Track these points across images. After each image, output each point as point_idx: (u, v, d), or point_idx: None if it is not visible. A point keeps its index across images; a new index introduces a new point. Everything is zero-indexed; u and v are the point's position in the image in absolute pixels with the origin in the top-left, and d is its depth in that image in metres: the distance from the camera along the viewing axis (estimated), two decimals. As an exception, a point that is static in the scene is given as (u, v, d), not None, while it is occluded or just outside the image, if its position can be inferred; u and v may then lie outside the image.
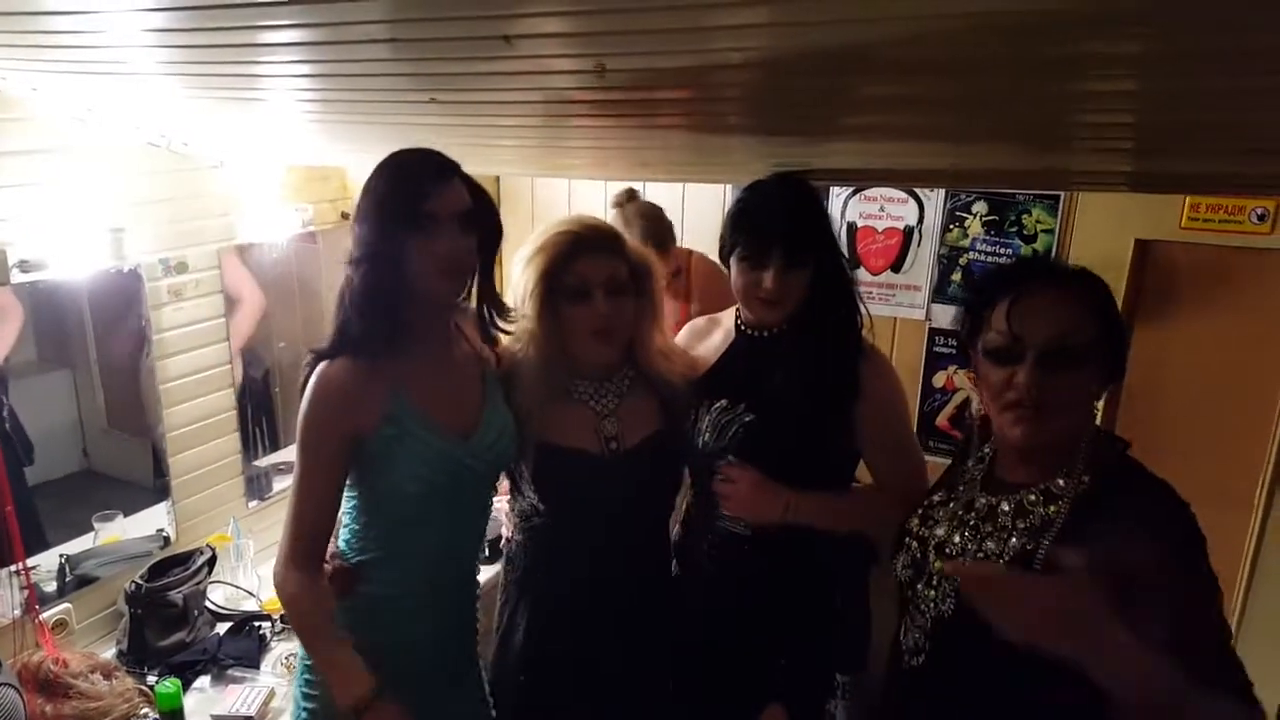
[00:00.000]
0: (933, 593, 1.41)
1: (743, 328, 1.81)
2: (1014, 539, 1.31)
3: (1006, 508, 1.35)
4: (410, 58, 1.39)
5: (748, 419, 1.72)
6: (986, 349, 1.34)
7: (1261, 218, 2.65)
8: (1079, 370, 1.26)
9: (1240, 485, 2.85)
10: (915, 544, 1.48)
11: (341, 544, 1.71)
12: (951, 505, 1.46)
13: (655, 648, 1.86)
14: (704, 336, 1.93)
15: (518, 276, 1.72)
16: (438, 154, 1.57)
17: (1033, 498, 1.32)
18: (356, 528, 1.70)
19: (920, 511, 1.52)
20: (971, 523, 1.39)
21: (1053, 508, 1.29)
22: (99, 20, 1.39)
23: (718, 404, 1.75)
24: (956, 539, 1.40)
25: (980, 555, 1.34)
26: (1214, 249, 2.74)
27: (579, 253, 1.67)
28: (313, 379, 1.57)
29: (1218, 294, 2.77)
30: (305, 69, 1.64)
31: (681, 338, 1.97)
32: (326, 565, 1.67)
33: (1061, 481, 1.30)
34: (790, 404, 1.69)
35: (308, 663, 1.72)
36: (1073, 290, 1.29)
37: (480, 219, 1.61)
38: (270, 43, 1.43)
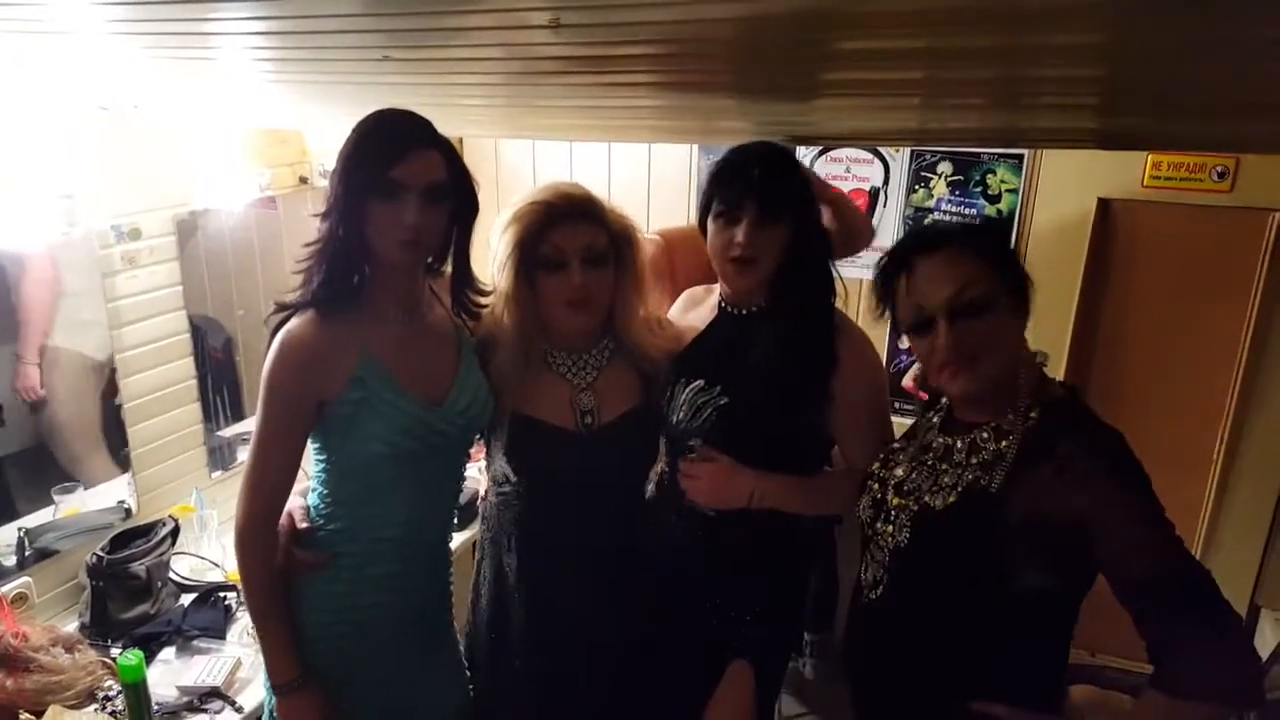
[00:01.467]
0: (890, 528, 1.47)
1: (724, 305, 1.79)
2: (967, 474, 1.38)
3: (960, 445, 1.42)
4: (360, 13, 1.34)
5: (723, 402, 1.70)
6: (903, 325, 1.45)
7: (1222, 175, 2.68)
8: (988, 316, 1.35)
9: (1199, 444, 2.90)
10: (876, 485, 1.55)
11: (312, 509, 1.69)
12: (911, 449, 1.53)
13: (624, 616, 1.85)
14: (696, 305, 1.90)
15: (495, 244, 1.70)
16: (420, 120, 1.54)
17: (985, 435, 1.39)
18: (325, 491, 1.67)
19: (883, 456, 1.59)
20: (929, 462, 1.47)
21: (1004, 443, 1.36)
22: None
23: (695, 383, 1.74)
24: (914, 476, 1.47)
25: (935, 490, 1.42)
26: (1175, 207, 2.77)
27: (554, 222, 1.65)
28: (278, 338, 1.55)
29: (1179, 251, 2.80)
30: (255, 25, 1.59)
31: (676, 307, 1.95)
32: (296, 549, 1.66)
33: (1011, 416, 1.37)
34: (765, 388, 1.69)
35: None
36: (954, 246, 1.38)
37: (454, 192, 1.58)
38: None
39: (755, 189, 1.62)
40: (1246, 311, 2.75)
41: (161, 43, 1.75)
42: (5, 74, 2.08)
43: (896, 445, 1.59)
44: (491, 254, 1.73)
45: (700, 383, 1.73)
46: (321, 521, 1.67)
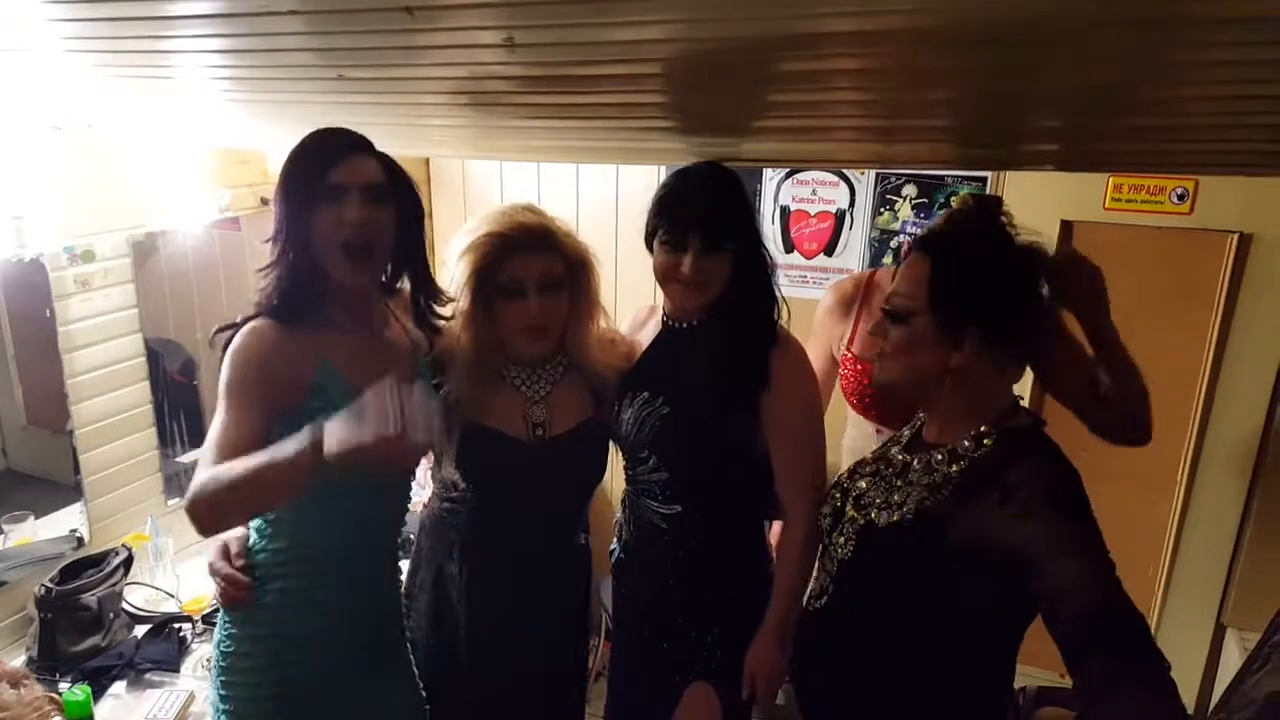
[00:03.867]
0: (841, 539, 1.49)
1: (667, 320, 1.82)
2: (916, 493, 1.39)
3: (918, 465, 1.43)
4: (312, 30, 1.33)
5: (664, 411, 1.74)
6: None
7: (1181, 197, 2.71)
8: (899, 327, 1.40)
9: (1162, 466, 2.91)
10: (838, 494, 1.56)
11: (253, 532, 1.66)
12: (877, 463, 1.55)
13: (561, 626, 1.90)
14: (645, 323, 1.94)
15: (452, 266, 1.72)
16: (353, 133, 1.56)
17: (940, 456, 1.40)
18: (270, 515, 1.63)
19: (851, 467, 1.60)
20: (887, 476, 1.48)
21: (954, 467, 1.37)
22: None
23: (640, 396, 1.77)
24: (871, 491, 1.49)
25: (885, 506, 1.43)
26: (1136, 228, 2.79)
27: (511, 252, 1.67)
28: (237, 340, 1.52)
29: (1139, 273, 2.81)
30: (209, 44, 1.57)
31: (624, 325, 1.98)
32: (219, 581, 1.62)
33: (967, 443, 1.38)
34: (701, 396, 1.72)
35: (223, 664, 1.67)
36: (920, 256, 1.42)
37: (393, 195, 1.58)
38: (171, 15, 1.36)
39: (699, 220, 1.66)
40: (1207, 332, 2.78)
41: (115, 60, 1.72)
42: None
43: (868, 458, 1.60)
44: (449, 278, 1.75)
45: (646, 394, 1.77)
46: (264, 543, 1.64)
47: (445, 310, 1.76)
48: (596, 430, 1.83)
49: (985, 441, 1.36)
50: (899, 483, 1.44)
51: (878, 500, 1.45)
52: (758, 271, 1.74)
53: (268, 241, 1.57)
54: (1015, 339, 1.40)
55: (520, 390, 1.80)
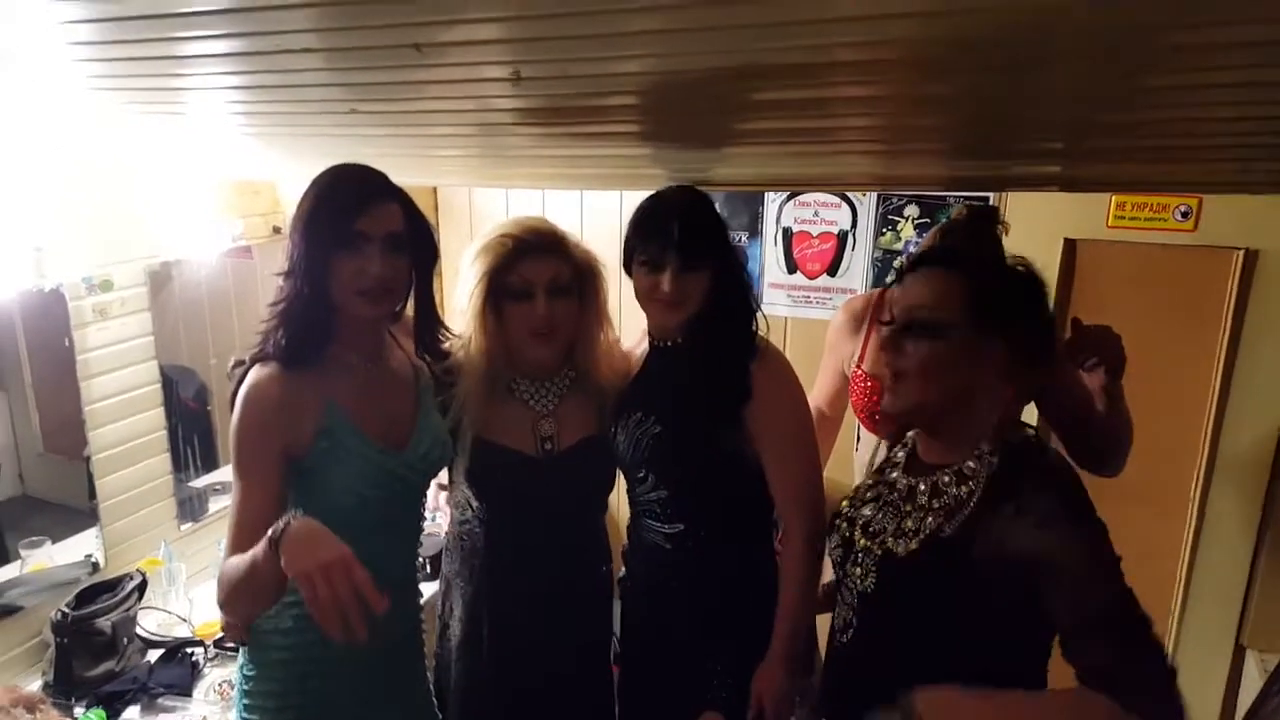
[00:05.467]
0: (858, 570, 1.46)
1: (652, 340, 1.85)
2: (930, 519, 1.36)
3: (924, 488, 1.40)
4: (326, 68, 1.37)
5: (656, 430, 1.76)
6: None
7: (1185, 215, 2.72)
8: (928, 342, 1.32)
9: (1175, 486, 2.90)
10: (844, 524, 1.53)
11: None
12: (878, 487, 1.51)
13: (586, 642, 1.91)
14: (638, 346, 1.95)
15: (463, 274, 1.75)
16: (376, 173, 1.56)
17: (947, 478, 1.37)
18: None
19: (852, 494, 1.58)
20: (893, 502, 1.45)
21: (964, 488, 1.34)
22: (21, 33, 1.34)
23: (634, 416, 1.79)
24: (879, 517, 1.46)
25: (899, 534, 1.40)
26: (1140, 246, 2.80)
27: (522, 254, 1.70)
28: (244, 389, 1.54)
29: (1145, 291, 2.82)
30: (226, 80, 1.61)
31: (626, 346, 1.99)
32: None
33: (972, 464, 1.35)
34: (687, 412, 1.74)
35: (246, 688, 1.69)
36: (943, 266, 1.37)
37: (413, 242, 1.59)
38: (189, 54, 1.40)
39: (675, 242, 1.68)
40: (1216, 349, 2.78)
41: (138, 98, 1.77)
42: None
43: (866, 482, 1.58)
44: (460, 282, 1.77)
45: (639, 415, 1.79)
46: None
47: (446, 344, 1.77)
48: (604, 445, 1.85)
49: (992, 460, 1.33)
50: (908, 508, 1.41)
51: (890, 528, 1.42)
52: (735, 286, 1.76)
53: (280, 275, 1.57)
54: (1040, 359, 1.37)
55: (529, 405, 1.82)
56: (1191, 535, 2.90)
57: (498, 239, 1.73)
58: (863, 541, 1.47)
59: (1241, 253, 2.69)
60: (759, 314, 1.80)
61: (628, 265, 1.79)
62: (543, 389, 1.83)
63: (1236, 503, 2.85)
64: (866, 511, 1.50)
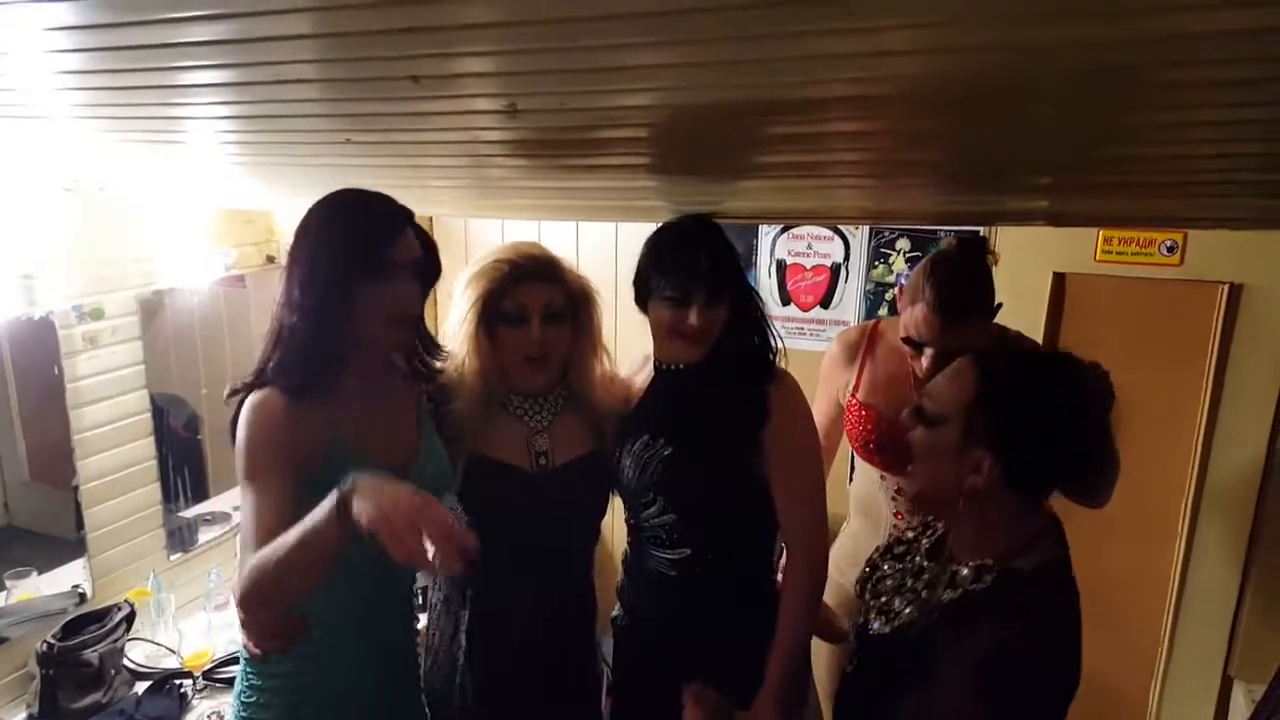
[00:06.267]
0: (860, 619, 1.51)
1: (660, 364, 1.84)
2: (910, 609, 1.39)
3: (928, 575, 1.43)
4: (323, 98, 1.38)
5: (666, 453, 1.75)
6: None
7: (1171, 249, 2.76)
8: (926, 429, 1.35)
9: (1162, 518, 2.91)
10: (868, 568, 1.58)
11: None
12: (910, 545, 1.54)
13: (569, 663, 1.89)
14: (639, 371, 1.96)
15: (457, 298, 1.76)
16: (390, 200, 1.56)
17: (946, 576, 1.38)
18: None
19: (889, 541, 1.61)
20: (909, 572, 1.48)
21: (948, 594, 1.34)
22: (8, 62, 1.35)
23: (640, 439, 1.79)
24: (889, 579, 1.50)
25: (884, 613, 1.44)
26: (1127, 280, 2.83)
27: (518, 280, 1.72)
28: (248, 407, 1.50)
29: (1132, 324, 2.86)
30: (221, 110, 1.62)
31: (622, 371, 2.00)
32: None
33: (966, 572, 1.33)
34: (703, 435, 1.74)
35: (243, 714, 1.67)
36: (971, 364, 1.34)
37: (426, 265, 1.62)
38: (184, 84, 1.41)
39: (704, 274, 1.69)
40: (1202, 382, 2.80)
41: (125, 126, 1.78)
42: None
43: (904, 536, 1.59)
44: (453, 306, 1.77)
45: (646, 437, 1.78)
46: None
47: (439, 363, 1.78)
48: (599, 463, 1.84)
49: (985, 578, 1.29)
50: (910, 582, 1.45)
51: (882, 603, 1.46)
52: (753, 312, 1.79)
53: (284, 303, 1.52)
54: (1042, 474, 1.32)
55: (523, 420, 1.81)
56: (1179, 566, 2.91)
57: (494, 263, 1.74)
58: (869, 599, 1.51)
59: (1226, 286, 2.73)
60: (775, 339, 1.82)
61: (643, 299, 1.79)
62: (537, 405, 1.82)
63: (1223, 534, 2.86)
64: (885, 569, 1.53)
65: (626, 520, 1.90)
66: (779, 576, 1.97)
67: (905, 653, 1.33)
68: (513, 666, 1.82)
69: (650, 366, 1.90)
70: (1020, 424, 1.27)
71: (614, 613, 2.00)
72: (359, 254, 1.49)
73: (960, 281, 1.91)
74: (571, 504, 1.83)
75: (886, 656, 1.38)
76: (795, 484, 1.77)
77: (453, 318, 1.77)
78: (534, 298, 1.72)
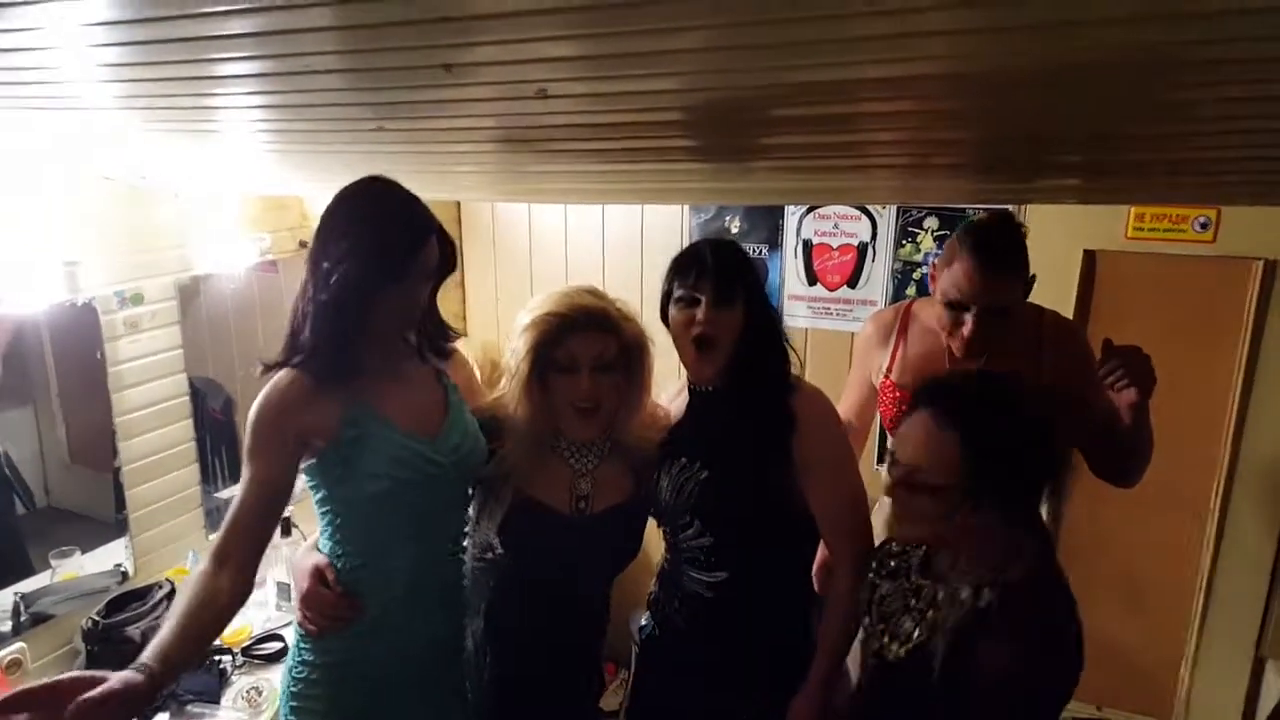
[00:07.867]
0: (863, 634, 1.61)
1: (692, 386, 1.88)
2: (921, 629, 1.46)
3: (926, 594, 1.49)
4: (356, 87, 1.40)
5: (703, 475, 1.77)
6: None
7: (1204, 226, 2.72)
8: (927, 498, 1.41)
9: (1195, 497, 2.89)
10: (866, 589, 1.63)
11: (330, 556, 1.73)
12: (903, 559, 1.60)
13: (572, 669, 1.95)
14: (676, 397, 1.98)
15: (514, 341, 1.78)
16: (418, 206, 1.62)
17: (944, 595, 1.45)
18: (333, 544, 1.71)
19: (878, 557, 1.65)
20: (910, 591, 1.53)
21: (951, 617, 1.40)
22: (53, 56, 1.39)
23: (678, 463, 1.81)
24: (891, 599, 1.55)
25: (897, 637, 1.50)
26: (1159, 257, 2.80)
27: (569, 332, 1.73)
28: (264, 392, 1.59)
29: (1164, 302, 2.83)
30: (256, 100, 1.65)
31: (663, 400, 2.01)
32: (326, 608, 1.67)
33: (965, 594, 1.40)
34: (736, 453, 1.76)
35: (294, 690, 1.73)
36: (943, 429, 1.40)
37: (443, 266, 1.70)
38: (221, 75, 1.44)
39: (711, 273, 1.73)
40: (1235, 358, 2.77)
41: (164, 117, 1.81)
42: (13, 144, 2.14)
43: (893, 549, 1.64)
44: (510, 349, 1.80)
45: (683, 460, 1.80)
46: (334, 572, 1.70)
47: (449, 343, 1.84)
48: (636, 511, 1.87)
49: (985, 594, 1.37)
50: (914, 601, 1.50)
51: (890, 626, 1.51)
52: (768, 326, 1.80)
53: (311, 284, 1.59)
54: (1027, 494, 1.44)
55: (569, 463, 1.83)
56: (1212, 545, 2.89)
57: (547, 315, 1.74)
58: (877, 622, 1.57)
59: (1261, 263, 2.69)
60: (792, 351, 1.83)
61: (665, 312, 1.83)
62: (584, 449, 1.85)
63: (1257, 513, 2.84)
64: (885, 588, 1.58)
65: (664, 538, 1.92)
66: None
67: (925, 678, 1.39)
68: (515, 669, 1.88)
69: (685, 390, 1.92)
70: (1017, 470, 1.39)
71: (641, 621, 2.02)
72: (384, 266, 1.56)
73: (999, 236, 1.91)
74: (604, 549, 1.86)
75: (907, 680, 1.43)
76: (832, 487, 1.77)
77: (509, 360, 1.80)
78: (586, 349, 1.72)
